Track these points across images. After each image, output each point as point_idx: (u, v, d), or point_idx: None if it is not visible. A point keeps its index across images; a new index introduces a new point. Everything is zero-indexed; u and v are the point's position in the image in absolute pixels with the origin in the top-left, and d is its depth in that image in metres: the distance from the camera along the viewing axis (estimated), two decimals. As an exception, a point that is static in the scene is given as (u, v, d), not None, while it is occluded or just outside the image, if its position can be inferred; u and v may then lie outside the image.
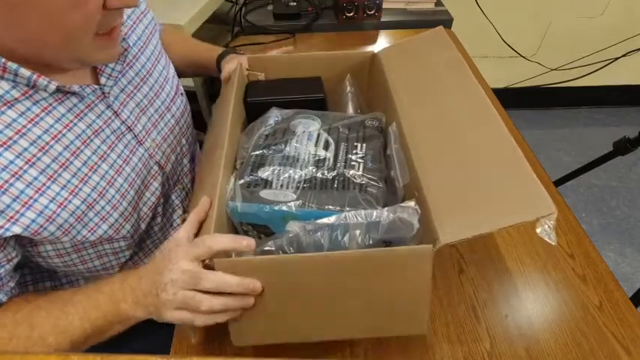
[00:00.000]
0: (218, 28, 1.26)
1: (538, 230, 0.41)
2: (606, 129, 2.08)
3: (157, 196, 0.61)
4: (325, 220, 0.47)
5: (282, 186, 0.53)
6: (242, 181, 0.54)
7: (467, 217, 0.44)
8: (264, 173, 0.55)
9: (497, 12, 1.73)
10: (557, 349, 0.56)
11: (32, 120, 0.45)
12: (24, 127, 0.44)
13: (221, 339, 0.56)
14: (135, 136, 0.56)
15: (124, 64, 0.56)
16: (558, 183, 1.35)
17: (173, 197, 0.67)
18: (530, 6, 1.76)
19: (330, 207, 0.51)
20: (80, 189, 0.49)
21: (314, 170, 0.55)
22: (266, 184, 0.54)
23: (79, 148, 0.49)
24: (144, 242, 0.63)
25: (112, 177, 0.52)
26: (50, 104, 0.47)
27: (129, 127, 0.55)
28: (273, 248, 0.48)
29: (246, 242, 0.45)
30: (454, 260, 0.66)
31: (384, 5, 1.23)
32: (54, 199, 0.47)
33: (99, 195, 0.51)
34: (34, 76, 0.44)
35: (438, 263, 0.66)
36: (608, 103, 2.15)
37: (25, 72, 0.43)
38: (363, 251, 0.46)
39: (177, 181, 0.67)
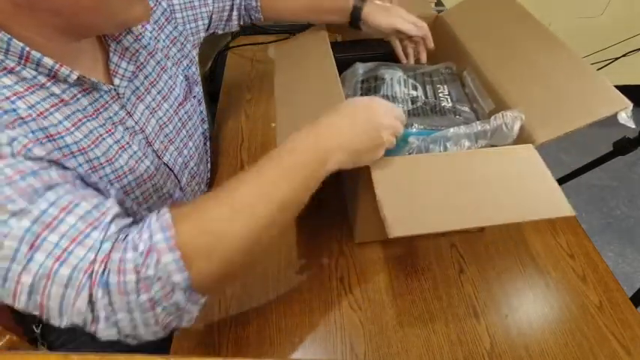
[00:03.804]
0: (218, 27, 1.26)
1: (619, 118, 0.53)
2: (606, 129, 2.07)
3: (165, 198, 0.61)
4: (439, 133, 0.56)
5: None
6: None
7: (556, 121, 0.55)
8: None
9: (498, 12, 1.73)
10: (557, 349, 0.56)
11: (55, 105, 0.45)
12: (46, 109, 0.44)
13: (220, 338, 0.56)
14: (146, 137, 0.56)
15: (137, 65, 0.56)
16: (558, 183, 1.35)
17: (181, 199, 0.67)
18: (530, 6, 1.76)
19: (437, 126, 0.59)
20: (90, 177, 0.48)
21: (411, 104, 0.64)
22: None
23: (98, 137, 0.49)
24: None
25: (124, 173, 0.52)
26: (72, 96, 0.47)
27: (141, 127, 0.56)
28: None
29: None
30: (454, 260, 0.67)
31: (384, 5, 1.23)
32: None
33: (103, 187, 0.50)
34: (57, 66, 0.44)
35: (438, 263, 0.66)
36: (608, 103, 2.15)
37: (48, 61, 0.43)
38: (476, 150, 0.56)
39: (187, 183, 0.68)
